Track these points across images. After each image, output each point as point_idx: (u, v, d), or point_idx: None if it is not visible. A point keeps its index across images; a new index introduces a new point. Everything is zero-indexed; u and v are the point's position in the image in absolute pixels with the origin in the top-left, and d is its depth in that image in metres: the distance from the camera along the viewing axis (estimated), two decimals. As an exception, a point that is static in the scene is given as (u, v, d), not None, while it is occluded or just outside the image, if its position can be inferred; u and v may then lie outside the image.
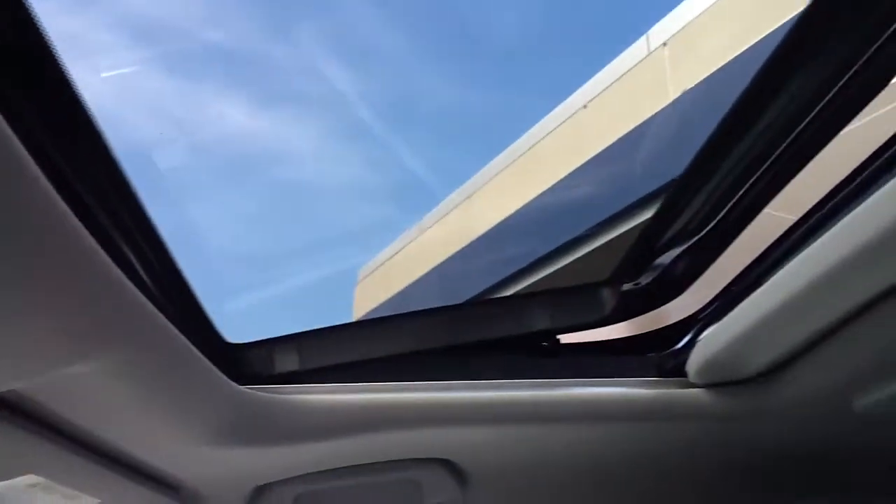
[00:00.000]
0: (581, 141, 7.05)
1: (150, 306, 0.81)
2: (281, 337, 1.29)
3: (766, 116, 1.05)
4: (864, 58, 0.95)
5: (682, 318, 1.38)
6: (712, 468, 1.47)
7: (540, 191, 7.31)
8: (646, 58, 6.51)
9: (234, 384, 1.12)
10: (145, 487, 1.19)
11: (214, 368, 1.04)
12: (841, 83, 0.98)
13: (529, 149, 7.82)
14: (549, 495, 1.53)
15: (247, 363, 1.26)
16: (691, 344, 1.30)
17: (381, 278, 9.62)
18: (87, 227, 0.65)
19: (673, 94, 5.93)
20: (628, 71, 6.65)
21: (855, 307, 1.02)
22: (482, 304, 1.39)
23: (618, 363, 1.38)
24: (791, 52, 0.97)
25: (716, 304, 1.29)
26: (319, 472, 1.34)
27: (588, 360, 1.39)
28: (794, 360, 1.20)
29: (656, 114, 5.79)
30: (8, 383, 0.74)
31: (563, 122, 7.43)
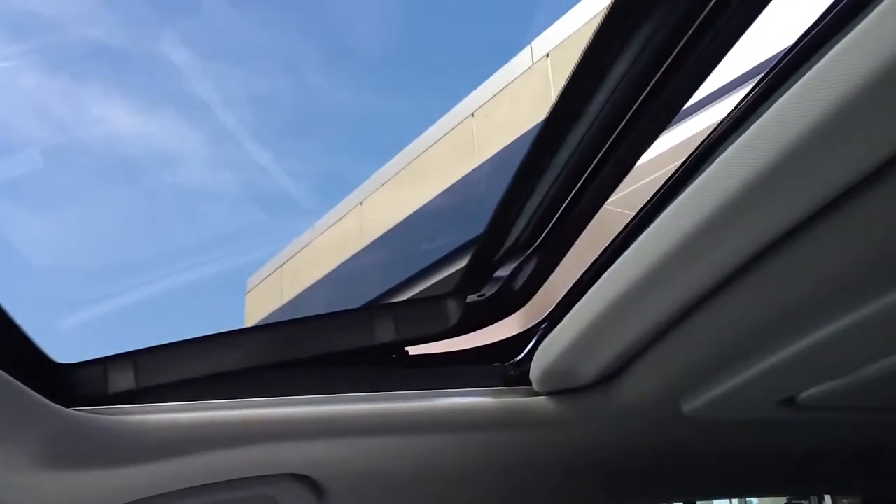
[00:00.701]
0: (470, 148, 7.15)
1: None
2: (116, 355, 1.25)
3: (579, 125, 1.08)
4: (675, 52, 0.98)
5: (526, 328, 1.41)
6: (561, 473, 1.52)
7: (430, 197, 7.37)
8: (529, 69, 6.67)
9: (57, 406, 1.08)
10: None
11: (29, 390, 1.00)
12: (653, 83, 1.01)
13: (419, 155, 7.88)
14: None
15: (78, 384, 1.21)
16: (533, 353, 1.33)
17: (272, 287, 9.48)
18: None
19: (556, 103, 6.09)
20: (513, 81, 6.80)
21: (673, 312, 1.06)
22: (329, 316, 1.38)
23: (466, 373, 1.41)
24: (597, 55, 1.00)
25: (554, 312, 1.33)
26: (170, 493, 1.31)
27: (437, 371, 1.41)
28: (624, 366, 1.24)
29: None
30: None
31: (452, 129, 7.53)
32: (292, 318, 1.40)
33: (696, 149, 0.97)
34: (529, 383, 1.36)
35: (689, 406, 1.28)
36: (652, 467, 1.54)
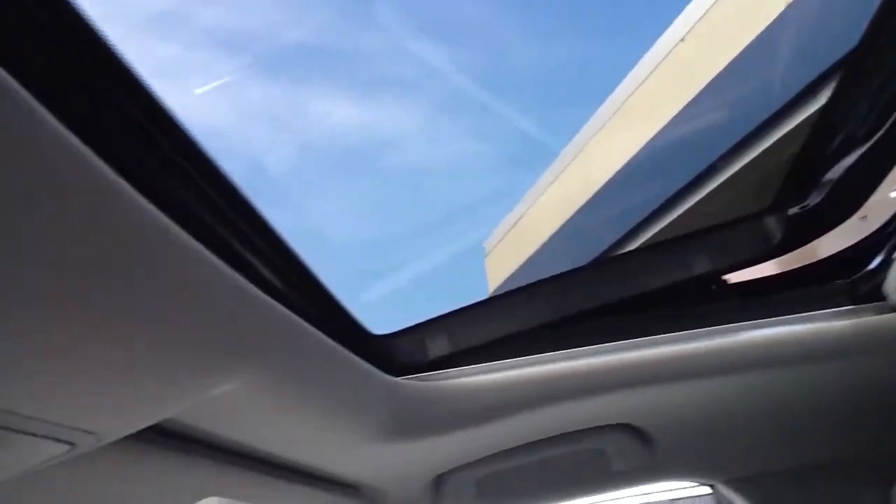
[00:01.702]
0: (687, 73, 6.71)
1: (285, 313, 0.76)
2: (426, 322, 1.23)
3: None
4: None
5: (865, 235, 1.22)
6: None
7: (654, 132, 7.03)
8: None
9: (389, 377, 1.07)
10: (324, 492, 1.18)
11: (366, 364, 0.99)
12: None
13: (635, 91, 7.53)
14: (740, 447, 1.42)
15: (399, 353, 1.20)
16: (887, 263, 1.14)
17: (509, 247, 9.54)
18: (207, 247, 0.59)
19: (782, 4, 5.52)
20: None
21: None
22: (635, 253, 1.28)
23: (800, 297, 1.24)
24: None
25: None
26: (499, 453, 1.29)
27: (766, 298, 1.25)
28: None
29: (771, 24, 5.40)
30: (159, 414, 0.70)
31: (664, 58, 7.09)
32: (586, 263, 1.30)
33: None
34: (883, 298, 1.17)
35: None
36: None
